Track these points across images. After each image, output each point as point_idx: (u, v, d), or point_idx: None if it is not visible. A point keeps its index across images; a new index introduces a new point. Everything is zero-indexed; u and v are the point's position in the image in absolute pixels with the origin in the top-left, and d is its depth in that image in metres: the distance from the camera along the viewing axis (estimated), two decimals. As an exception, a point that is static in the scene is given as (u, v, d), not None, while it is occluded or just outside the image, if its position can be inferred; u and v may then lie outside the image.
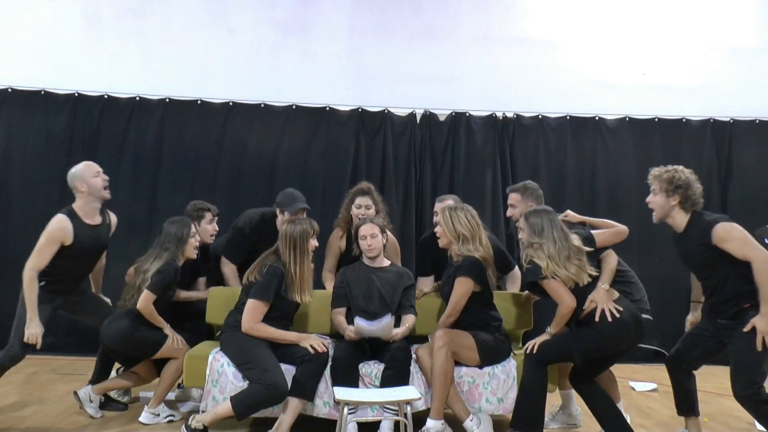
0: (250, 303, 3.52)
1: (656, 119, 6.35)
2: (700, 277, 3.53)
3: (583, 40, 6.50)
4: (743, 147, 6.37)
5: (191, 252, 3.93)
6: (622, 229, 3.73)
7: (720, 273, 3.33)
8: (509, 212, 4.19)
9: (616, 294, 3.48)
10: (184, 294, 4.17)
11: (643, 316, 3.66)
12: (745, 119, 6.41)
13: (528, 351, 3.49)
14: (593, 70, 6.45)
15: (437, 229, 3.85)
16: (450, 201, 4.39)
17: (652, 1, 6.57)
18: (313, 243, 3.69)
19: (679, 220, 3.46)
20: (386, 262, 4.04)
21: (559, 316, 3.44)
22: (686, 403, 3.66)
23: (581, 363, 3.42)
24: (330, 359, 3.58)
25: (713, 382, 5.07)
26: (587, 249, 3.47)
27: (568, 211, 3.89)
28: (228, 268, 4.33)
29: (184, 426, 3.33)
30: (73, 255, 3.75)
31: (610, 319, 3.32)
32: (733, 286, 3.31)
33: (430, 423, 3.45)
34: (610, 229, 3.72)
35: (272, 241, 3.82)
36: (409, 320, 3.81)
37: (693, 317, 3.81)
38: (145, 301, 3.71)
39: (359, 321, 3.61)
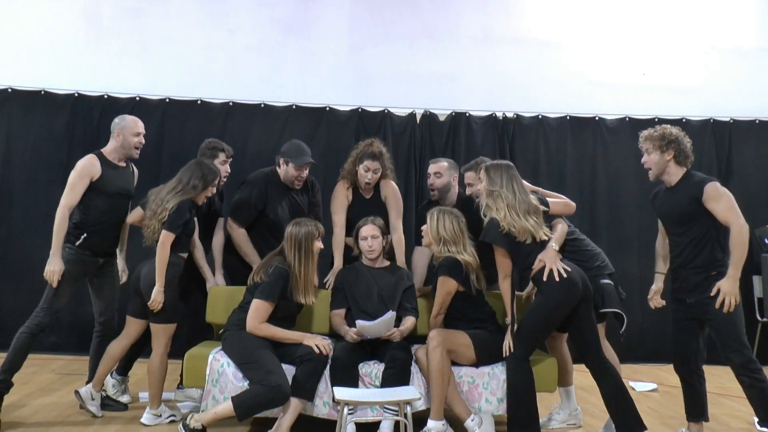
0: (255, 303, 3.52)
1: (656, 119, 6.34)
2: (674, 232, 3.56)
3: (583, 40, 6.50)
4: (743, 147, 6.37)
5: (203, 198, 3.94)
6: (571, 203, 3.83)
7: (695, 231, 3.44)
8: (468, 191, 4.20)
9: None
10: (200, 256, 4.15)
11: (603, 281, 3.76)
12: (745, 119, 6.41)
13: (506, 354, 3.50)
14: (593, 70, 6.45)
15: (423, 227, 3.86)
16: (444, 163, 4.43)
17: (652, 1, 6.57)
18: (318, 245, 3.70)
19: (673, 174, 3.56)
20: (386, 263, 4.04)
21: (502, 291, 3.57)
22: (696, 408, 3.66)
23: (536, 328, 3.46)
24: (330, 359, 3.58)
25: (714, 382, 5.07)
26: (543, 209, 3.58)
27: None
28: (237, 233, 4.16)
29: (181, 425, 3.33)
30: (103, 193, 3.88)
31: (557, 278, 3.35)
32: (704, 250, 3.42)
33: (431, 424, 3.45)
34: (560, 200, 3.81)
35: (279, 200, 4.06)
36: (408, 321, 3.80)
37: (656, 287, 3.83)
38: (165, 242, 3.69)
39: (361, 321, 3.61)
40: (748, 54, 6.56)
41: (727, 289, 3.33)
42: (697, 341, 3.60)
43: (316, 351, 3.47)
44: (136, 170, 4.24)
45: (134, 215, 4.04)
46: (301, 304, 3.68)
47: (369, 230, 3.96)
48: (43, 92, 5.88)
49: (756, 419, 3.55)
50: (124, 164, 4.07)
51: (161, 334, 3.77)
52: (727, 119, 6.36)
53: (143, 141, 4.10)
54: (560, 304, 3.39)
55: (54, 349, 5.58)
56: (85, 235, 3.85)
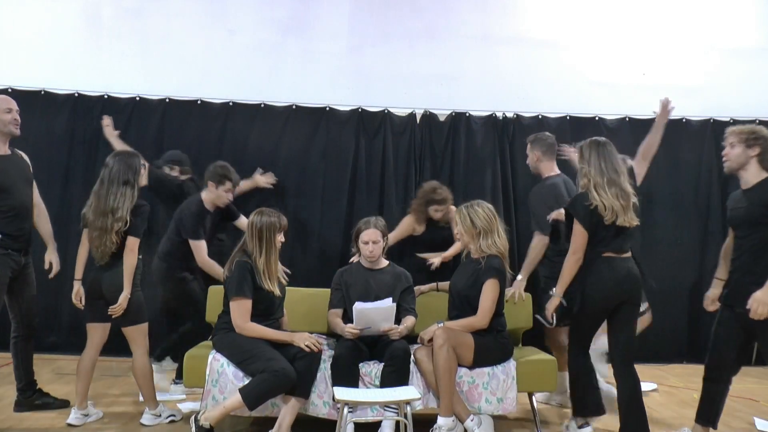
0: (232, 303, 3.52)
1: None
2: (739, 235, 3.44)
3: (583, 40, 6.50)
4: (743, 147, 6.36)
5: (143, 181, 3.93)
6: None
7: (759, 236, 3.29)
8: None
9: None
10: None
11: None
12: (745, 119, 6.39)
13: (552, 322, 3.61)
14: (593, 70, 6.45)
15: (457, 231, 3.84)
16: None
17: (653, 1, 6.57)
18: (280, 238, 3.63)
19: (752, 173, 3.40)
20: (384, 263, 4.03)
21: (566, 265, 3.55)
22: (709, 413, 3.57)
23: (582, 309, 3.53)
24: (324, 357, 3.59)
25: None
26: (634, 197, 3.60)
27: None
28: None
29: (192, 419, 3.33)
30: (1, 187, 3.65)
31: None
32: (764, 257, 3.27)
33: (441, 421, 3.46)
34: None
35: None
36: (408, 320, 3.80)
37: (712, 293, 3.70)
38: (134, 249, 3.64)
39: (358, 304, 3.61)
40: (748, 54, 6.55)
41: (759, 297, 3.18)
42: (735, 351, 3.46)
43: (306, 350, 3.46)
44: (25, 156, 3.99)
45: (85, 240, 3.84)
46: (283, 293, 3.69)
47: (371, 235, 3.93)
48: (43, 92, 5.87)
49: None
50: (9, 151, 3.83)
51: (137, 335, 3.75)
52: (727, 119, 6.35)
53: (18, 117, 3.86)
54: (605, 299, 3.48)
55: (54, 349, 5.58)
56: (0, 236, 3.66)
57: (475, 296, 3.68)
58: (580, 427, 3.64)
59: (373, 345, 3.72)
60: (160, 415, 3.83)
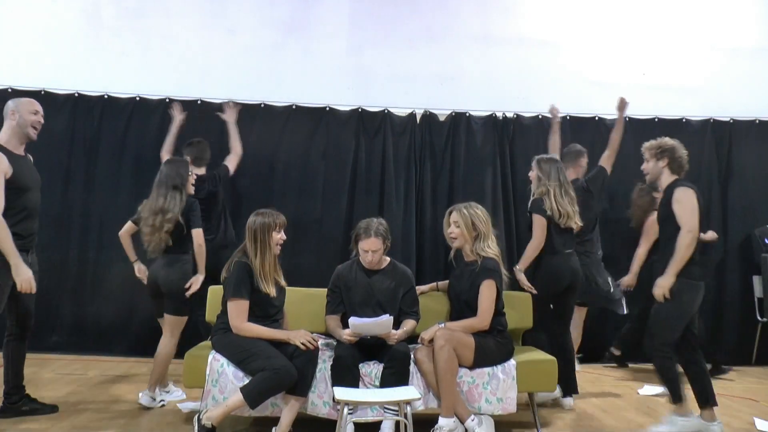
0: (229, 304, 3.52)
1: (656, 119, 6.35)
2: (659, 230, 3.99)
3: (583, 40, 6.50)
4: (743, 147, 6.36)
5: (191, 189, 4.22)
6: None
7: (668, 231, 3.76)
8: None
9: None
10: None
11: None
12: (745, 119, 6.41)
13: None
14: (593, 70, 6.45)
15: (452, 231, 3.82)
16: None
17: (653, 1, 6.57)
18: (277, 236, 3.62)
19: (665, 180, 3.92)
20: (384, 263, 3.93)
21: (530, 249, 4.27)
22: (705, 393, 3.78)
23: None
24: (324, 357, 3.58)
25: (714, 382, 5.06)
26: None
27: None
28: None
29: (195, 419, 3.33)
30: (21, 187, 3.64)
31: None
32: (673, 246, 3.70)
33: (442, 421, 3.47)
34: None
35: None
36: (408, 324, 3.78)
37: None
38: (199, 238, 4.07)
39: (353, 320, 3.58)
40: (748, 54, 6.55)
41: (662, 284, 3.68)
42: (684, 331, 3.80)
43: (303, 348, 3.46)
44: (30, 157, 3.93)
45: (128, 228, 4.33)
46: (282, 294, 3.69)
47: (371, 245, 3.75)
48: (43, 92, 5.87)
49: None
50: (23, 153, 3.80)
51: (175, 325, 4.07)
52: (727, 119, 6.35)
53: (42, 121, 3.83)
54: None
55: (54, 349, 5.59)
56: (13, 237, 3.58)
57: (474, 299, 3.68)
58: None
59: (373, 345, 3.72)
60: (155, 399, 4.09)
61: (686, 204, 3.70)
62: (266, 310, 3.59)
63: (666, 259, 3.71)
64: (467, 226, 3.72)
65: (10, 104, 3.76)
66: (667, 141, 3.98)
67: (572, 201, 4.34)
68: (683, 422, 3.71)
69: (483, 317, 3.63)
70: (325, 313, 3.89)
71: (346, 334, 3.62)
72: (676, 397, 3.72)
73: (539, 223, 4.25)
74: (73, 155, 5.88)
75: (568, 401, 4.34)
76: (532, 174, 4.46)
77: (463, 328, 3.63)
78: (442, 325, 3.69)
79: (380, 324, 3.56)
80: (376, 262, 3.82)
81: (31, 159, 3.95)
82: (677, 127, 6.27)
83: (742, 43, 6.57)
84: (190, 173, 4.20)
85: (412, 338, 3.85)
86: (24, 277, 3.51)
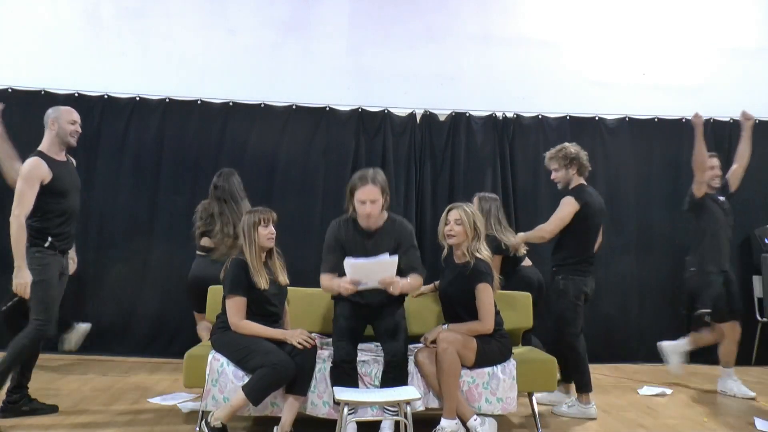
0: (227, 302, 3.54)
1: (656, 119, 6.35)
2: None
3: (583, 40, 6.50)
4: (743, 147, 6.35)
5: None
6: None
7: (567, 231, 4.24)
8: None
9: None
10: None
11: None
12: (745, 119, 6.40)
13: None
14: (593, 70, 6.45)
15: (453, 228, 3.70)
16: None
17: (653, 2, 6.57)
18: (264, 231, 3.59)
19: (574, 185, 4.33)
20: (382, 220, 3.62)
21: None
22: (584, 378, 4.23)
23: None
24: (323, 356, 3.58)
25: (714, 382, 5.07)
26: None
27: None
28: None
29: (204, 422, 3.34)
30: (58, 191, 3.77)
31: None
32: (569, 247, 4.25)
33: (444, 422, 3.46)
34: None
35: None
36: (413, 278, 3.53)
37: None
38: None
39: (350, 260, 3.30)
40: (748, 54, 6.56)
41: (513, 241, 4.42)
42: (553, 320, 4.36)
43: (300, 347, 3.46)
44: (74, 161, 4.12)
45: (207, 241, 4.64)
46: (282, 293, 3.68)
47: (368, 193, 3.46)
48: (43, 92, 5.87)
49: None
50: (65, 158, 3.95)
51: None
52: (727, 119, 6.35)
53: (79, 130, 3.98)
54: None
55: (55, 348, 5.57)
56: (50, 238, 3.76)
57: (467, 301, 3.65)
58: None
59: (373, 310, 3.59)
60: None
61: (566, 210, 4.21)
62: (264, 309, 3.59)
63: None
64: (469, 225, 3.69)
65: (50, 113, 3.90)
66: (571, 149, 4.35)
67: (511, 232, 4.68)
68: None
69: (486, 321, 3.61)
70: (321, 272, 3.63)
71: (344, 282, 3.42)
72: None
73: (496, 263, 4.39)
74: (73, 155, 5.86)
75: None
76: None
77: (468, 331, 3.61)
78: (446, 327, 3.68)
79: (382, 264, 3.31)
80: (374, 215, 3.51)
81: (74, 162, 4.12)
82: (677, 127, 6.27)
83: (742, 43, 6.57)
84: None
85: (413, 338, 3.84)
86: (21, 281, 3.61)
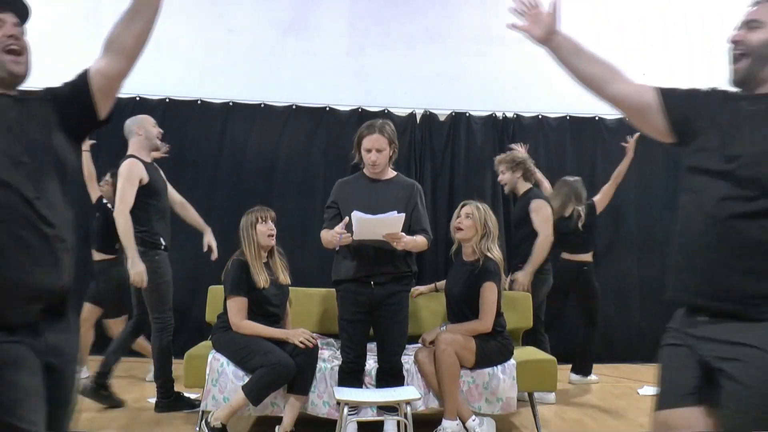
0: (228, 302, 3.55)
1: (656, 119, 6.35)
2: (515, 229, 4.80)
3: (583, 40, 6.47)
4: (743, 147, 6.36)
5: None
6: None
7: (524, 231, 4.55)
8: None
9: None
10: None
11: None
12: (745, 119, 6.40)
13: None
14: (593, 70, 6.44)
15: (463, 222, 3.67)
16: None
17: (653, 2, 6.57)
18: (263, 228, 3.59)
19: (521, 188, 4.66)
20: (391, 173, 3.50)
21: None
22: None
23: None
24: (324, 356, 3.58)
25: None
26: None
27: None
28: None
29: (204, 423, 3.34)
30: (154, 191, 4.01)
31: None
32: (528, 246, 4.48)
33: (445, 423, 3.46)
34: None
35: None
36: (419, 238, 3.36)
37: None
38: None
39: (357, 215, 3.12)
40: (748, 54, 6.55)
41: (521, 280, 4.41)
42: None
43: (302, 347, 3.46)
44: (157, 167, 4.31)
45: None
46: (283, 293, 3.68)
47: (374, 141, 3.31)
48: (43, 92, 5.87)
49: None
50: (150, 160, 4.16)
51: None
52: (727, 119, 6.35)
53: (161, 131, 4.24)
54: None
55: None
56: (163, 241, 4.01)
57: (472, 299, 3.65)
58: None
59: (375, 312, 3.43)
60: None
61: (545, 214, 4.48)
62: (264, 309, 3.60)
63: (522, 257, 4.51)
64: (480, 221, 3.68)
65: (131, 123, 4.13)
66: (518, 154, 4.74)
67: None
68: None
69: (486, 320, 3.61)
70: (323, 227, 3.52)
71: (338, 229, 3.18)
72: None
73: None
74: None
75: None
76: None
77: (467, 331, 3.61)
78: (444, 327, 3.68)
79: (389, 221, 3.14)
80: (381, 164, 3.36)
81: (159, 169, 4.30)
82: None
83: (742, 43, 6.56)
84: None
85: (413, 338, 3.84)
86: (138, 270, 3.80)
